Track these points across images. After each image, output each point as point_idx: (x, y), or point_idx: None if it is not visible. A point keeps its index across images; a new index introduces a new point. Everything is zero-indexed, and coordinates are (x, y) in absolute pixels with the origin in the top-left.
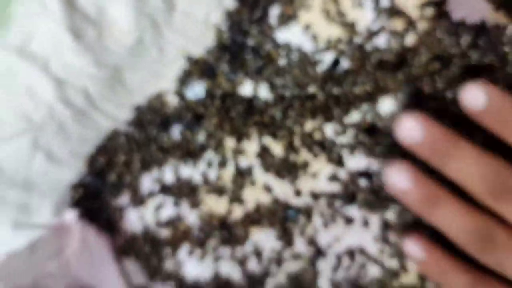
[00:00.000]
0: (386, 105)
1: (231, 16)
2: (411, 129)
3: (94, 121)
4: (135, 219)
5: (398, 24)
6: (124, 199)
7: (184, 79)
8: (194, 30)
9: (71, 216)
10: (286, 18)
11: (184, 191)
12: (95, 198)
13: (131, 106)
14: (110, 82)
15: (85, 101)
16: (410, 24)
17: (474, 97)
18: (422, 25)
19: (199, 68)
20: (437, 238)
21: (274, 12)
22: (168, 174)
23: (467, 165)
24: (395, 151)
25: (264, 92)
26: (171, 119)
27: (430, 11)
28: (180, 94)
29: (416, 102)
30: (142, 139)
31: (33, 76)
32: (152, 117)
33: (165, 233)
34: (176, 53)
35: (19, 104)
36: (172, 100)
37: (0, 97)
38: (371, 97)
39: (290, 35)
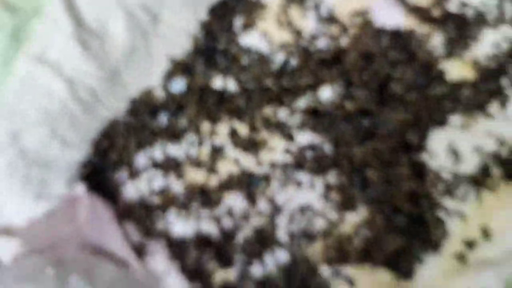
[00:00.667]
0: (325, 93)
1: (205, 26)
2: None
3: (98, 112)
4: (132, 190)
5: (334, 30)
6: (123, 174)
7: (168, 77)
8: (176, 38)
9: (81, 189)
10: (247, 27)
11: (171, 165)
12: (99, 174)
13: (127, 99)
14: (110, 81)
15: (91, 97)
16: (344, 30)
17: None
18: (352, 31)
19: (180, 67)
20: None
21: (238, 22)
22: (157, 153)
23: None
24: (333, 129)
25: (232, 86)
26: (159, 108)
27: (358, 19)
28: (165, 89)
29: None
30: (136, 125)
31: (50, 78)
32: (144, 108)
33: (156, 200)
34: (162, 56)
35: (39, 101)
36: (160, 94)
37: (23, 95)
38: (313, 88)
39: (251, 40)
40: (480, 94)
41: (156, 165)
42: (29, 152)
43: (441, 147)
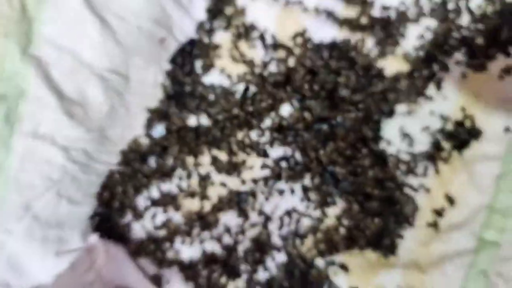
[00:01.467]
0: (285, 110)
1: (169, 74)
2: None
3: (95, 169)
4: (139, 229)
5: (281, 53)
6: (128, 217)
7: (149, 125)
8: (147, 90)
9: (94, 238)
10: (207, 67)
11: (168, 201)
12: (108, 221)
13: (117, 152)
14: (99, 140)
15: (85, 157)
16: (289, 51)
17: None
18: (296, 51)
19: (157, 115)
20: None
21: (198, 65)
22: (154, 192)
23: None
24: (298, 139)
25: (205, 121)
26: (146, 154)
27: (299, 40)
28: (148, 136)
29: None
30: (130, 173)
31: (46, 149)
32: (133, 156)
33: (162, 233)
34: (139, 109)
35: (41, 170)
36: (144, 141)
37: (26, 169)
38: (274, 107)
39: (212, 78)
40: (417, 81)
41: (155, 203)
42: (42, 216)
43: (394, 134)
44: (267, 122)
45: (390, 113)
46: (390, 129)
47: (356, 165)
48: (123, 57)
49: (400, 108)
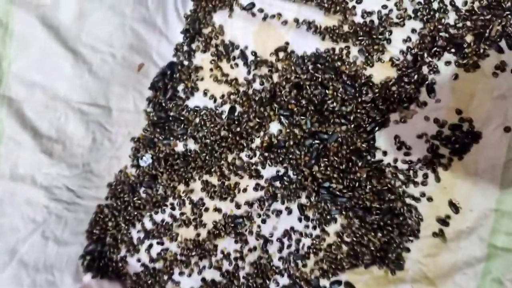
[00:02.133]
0: (274, 127)
1: (151, 101)
2: None
3: (82, 206)
4: (135, 263)
5: (264, 69)
6: (122, 252)
7: (135, 155)
8: (130, 119)
9: (87, 278)
10: (190, 90)
11: (162, 231)
12: (101, 259)
13: (105, 186)
14: (84, 176)
15: (70, 195)
16: (272, 67)
17: None
18: (280, 65)
19: (143, 143)
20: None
21: (180, 88)
22: (147, 223)
23: None
24: (290, 156)
25: (192, 145)
26: (135, 185)
27: (282, 54)
28: (136, 166)
29: None
30: (120, 206)
31: (26, 190)
32: (122, 188)
33: (159, 265)
34: (123, 139)
35: (23, 213)
36: (132, 172)
37: (7, 213)
38: (262, 125)
39: (196, 101)
40: (407, 86)
41: (149, 234)
42: (28, 261)
43: (389, 144)
44: (257, 142)
45: (383, 123)
46: (385, 139)
47: (353, 179)
48: (101, 87)
49: (393, 116)
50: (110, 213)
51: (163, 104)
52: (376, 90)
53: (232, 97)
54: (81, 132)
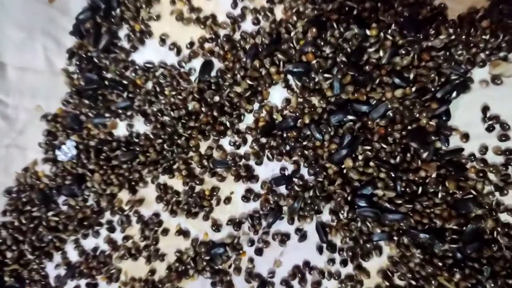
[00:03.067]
0: (277, 95)
1: (74, 53)
2: None
3: None
4: None
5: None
6: None
7: (50, 142)
8: (39, 82)
9: None
10: (139, 36)
11: (95, 266)
12: None
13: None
14: None
15: None
16: None
17: None
18: None
19: (62, 123)
20: None
21: (122, 33)
22: (71, 253)
23: None
24: (303, 146)
25: (141, 126)
26: (50, 192)
27: None
28: (51, 160)
29: None
30: (27, 225)
31: None
32: (28, 197)
33: None
34: (28, 115)
35: None
36: (45, 170)
37: None
38: (256, 92)
39: (149, 54)
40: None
41: (74, 271)
42: None
43: (473, 120)
44: (248, 120)
45: (464, 84)
46: (467, 113)
47: (412, 181)
48: None
49: (480, 72)
50: (9, 237)
51: (95, 60)
52: (452, 29)
53: (206, 45)
54: None
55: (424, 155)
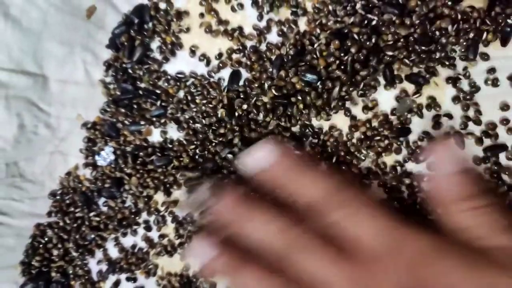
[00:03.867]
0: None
1: (111, 65)
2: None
3: (9, 226)
4: None
5: (285, 12)
6: None
7: (90, 148)
8: (79, 93)
9: None
10: (170, 48)
11: (134, 262)
12: None
13: (45, 196)
14: (9, 182)
15: None
16: (298, 7)
17: (263, 155)
18: (310, 3)
19: (100, 130)
20: None
21: (155, 45)
22: (111, 250)
23: (262, 225)
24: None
25: (174, 133)
26: (91, 194)
27: None
28: (91, 165)
29: None
30: (71, 225)
31: None
32: (72, 199)
33: None
34: (70, 124)
35: None
36: (86, 174)
37: None
38: (286, 100)
39: (180, 64)
40: None
41: (115, 267)
42: None
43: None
44: (272, 125)
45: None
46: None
47: None
48: (28, 45)
49: None
50: (55, 236)
51: (129, 71)
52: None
53: (234, 56)
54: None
55: None
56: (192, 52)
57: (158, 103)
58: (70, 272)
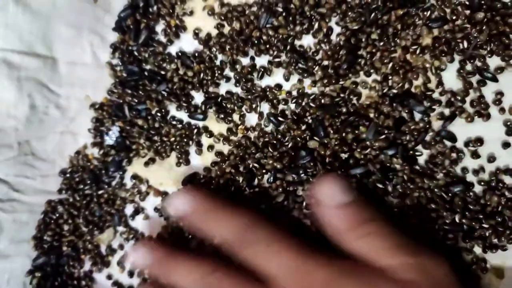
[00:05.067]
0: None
1: (117, 48)
2: None
3: (22, 203)
4: (104, 280)
5: None
6: (86, 265)
7: (97, 127)
8: (87, 74)
9: None
10: (174, 31)
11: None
12: (56, 275)
13: (55, 174)
14: (21, 160)
15: (2, 188)
16: None
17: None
18: None
19: (107, 111)
20: None
21: (159, 28)
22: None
23: (186, 274)
24: None
25: (183, 114)
26: (99, 172)
27: None
28: (98, 145)
29: None
30: (80, 201)
31: None
32: (80, 177)
33: (136, 281)
34: (79, 104)
35: None
36: (94, 153)
37: None
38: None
39: (185, 46)
40: None
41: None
42: None
43: None
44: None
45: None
46: None
47: None
48: (38, 28)
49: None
50: (65, 212)
51: (135, 53)
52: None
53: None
54: (11, 95)
55: None
56: (196, 34)
57: (164, 84)
58: (80, 246)
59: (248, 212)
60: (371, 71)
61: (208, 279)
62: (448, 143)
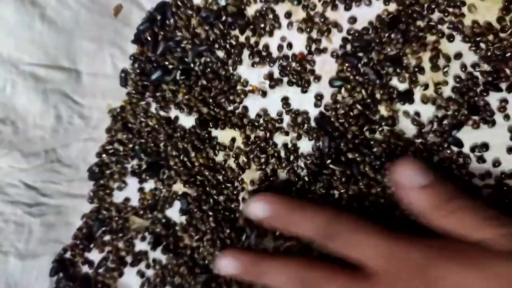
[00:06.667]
0: None
1: (136, 59)
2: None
3: (49, 206)
4: (135, 282)
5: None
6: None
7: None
8: (108, 85)
9: None
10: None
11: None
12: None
13: (79, 178)
14: (48, 167)
15: (30, 194)
16: None
17: (257, 208)
18: None
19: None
20: None
21: (177, 39)
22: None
23: (276, 275)
24: None
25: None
26: None
27: None
28: None
29: None
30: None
31: None
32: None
33: None
34: (101, 113)
35: None
36: None
37: None
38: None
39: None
40: None
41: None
42: None
43: None
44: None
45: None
46: None
47: None
48: (61, 42)
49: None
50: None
51: (154, 63)
52: None
53: None
54: (38, 106)
55: None
56: None
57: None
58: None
59: (327, 207)
60: None
61: (301, 273)
62: (455, 149)
